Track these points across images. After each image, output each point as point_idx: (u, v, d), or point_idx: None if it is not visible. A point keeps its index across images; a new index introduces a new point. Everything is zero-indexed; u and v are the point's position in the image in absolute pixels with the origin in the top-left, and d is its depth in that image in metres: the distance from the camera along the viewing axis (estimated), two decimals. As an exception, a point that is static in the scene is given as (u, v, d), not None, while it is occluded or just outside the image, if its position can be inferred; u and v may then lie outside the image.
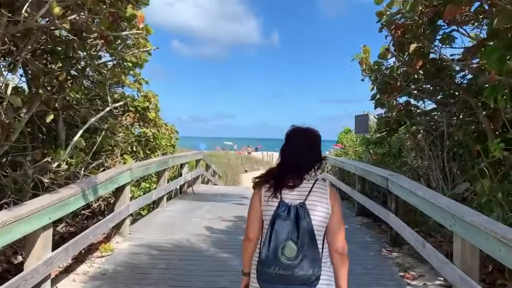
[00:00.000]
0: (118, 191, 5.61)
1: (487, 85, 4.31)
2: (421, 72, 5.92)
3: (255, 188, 2.08)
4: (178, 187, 9.42)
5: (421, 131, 6.96)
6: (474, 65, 4.45)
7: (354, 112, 11.83)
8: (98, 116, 5.70)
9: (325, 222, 1.94)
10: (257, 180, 2.10)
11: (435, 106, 6.79)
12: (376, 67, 7.22)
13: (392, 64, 6.99)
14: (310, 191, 1.95)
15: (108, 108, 5.84)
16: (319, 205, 1.93)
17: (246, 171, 27.92)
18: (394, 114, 7.02)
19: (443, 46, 5.41)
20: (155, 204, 7.70)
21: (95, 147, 6.05)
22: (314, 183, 1.98)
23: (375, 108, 7.61)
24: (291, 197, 1.94)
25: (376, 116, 7.62)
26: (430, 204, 3.92)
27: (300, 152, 2.02)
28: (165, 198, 7.76)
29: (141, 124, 9.01)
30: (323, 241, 1.95)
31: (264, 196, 1.99)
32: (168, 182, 8.28)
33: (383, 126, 7.08)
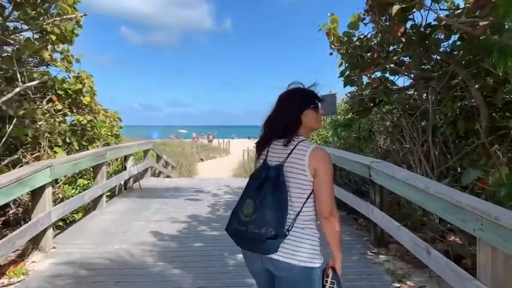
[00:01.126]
0: (35, 195, 4.37)
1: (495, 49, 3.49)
2: (403, 40, 5.06)
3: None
4: (122, 183, 8.17)
5: (399, 111, 6.14)
6: (480, 23, 3.58)
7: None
8: (3, 98, 4.38)
9: (304, 185, 1.87)
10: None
11: (412, 82, 6.00)
12: (345, 38, 6.32)
13: (365, 35, 6.12)
14: (289, 154, 1.90)
15: (17, 89, 4.54)
16: (296, 167, 1.87)
17: (201, 159, 26.65)
18: (368, 91, 6.16)
19: (431, 6, 4.54)
20: (92, 205, 6.44)
21: (3, 139, 4.73)
22: (295, 146, 1.91)
23: (344, 86, 6.75)
24: (275, 158, 1.94)
25: (349, 95, 6.74)
26: (440, 201, 3.02)
27: (272, 115, 2.02)
28: (104, 197, 6.51)
29: (74, 111, 7.65)
30: (301, 208, 1.87)
31: (257, 157, 2.07)
32: (110, 178, 7.04)
33: (356, 106, 6.21)
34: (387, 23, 5.19)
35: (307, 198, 1.86)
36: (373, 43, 5.68)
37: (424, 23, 5.15)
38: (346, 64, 6.51)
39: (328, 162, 1.89)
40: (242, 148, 27.93)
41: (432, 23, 5.09)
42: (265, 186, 1.83)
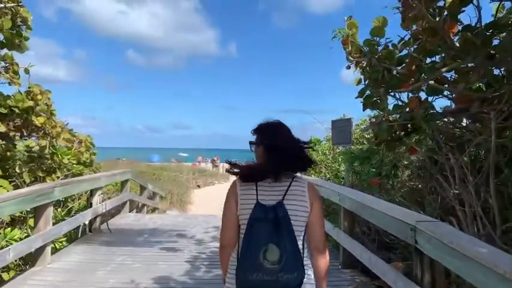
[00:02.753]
0: None
1: None
2: (458, 44, 3.60)
3: (230, 192, 1.96)
4: (87, 222, 6.62)
5: (439, 142, 4.63)
6: None
7: (325, 121, 9.56)
8: None
9: (304, 221, 1.85)
10: (234, 172, 1.94)
11: (457, 105, 4.50)
12: (367, 48, 4.88)
13: (393, 43, 4.67)
14: (287, 190, 1.85)
15: None
16: (298, 204, 1.84)
17: (198, 186, 25.05)
18: (397, 116, 4.67)
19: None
20: (33, 258, 4.88)
21: None
22: (291, 181, 1.88)
23: (364, 110, 5.28)
24: (268, 197, 1.84)
25: (373, 120, 5.25)
26: None
27: (281, 147, 1.90)
28: (48, 249, 4.95)
29: (27, 134, 6.18)
30: (303, 241, 1.85)
31: (241, 197, 1.88)
32: (63, 220, 5.51)
33: (383, 135, 4.70)
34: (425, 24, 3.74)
35: (304, 234, 1.86)
36: (407, 51, 4.22)
37: (477, 23, 3.71)
38: (367, 81, 5.07)
39: (319, 194, 2.00)
40: (242, 174, 26.41)
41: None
42: (282, 227, 1.75)
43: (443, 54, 3.91)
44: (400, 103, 4.79)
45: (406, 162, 6.22)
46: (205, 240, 6.40)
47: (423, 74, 3.97)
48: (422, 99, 4.57)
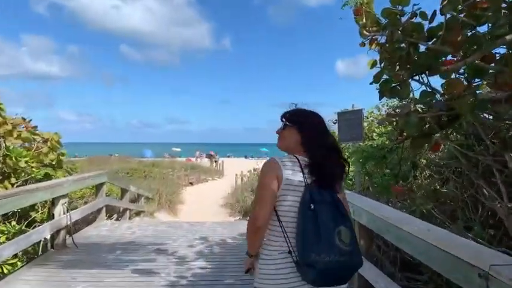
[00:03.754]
0: None
1: None
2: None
3: (271, 169, 1.84)
4: (48, 237, 5.54)
5: (485, 139, 3.57)
6: None
7: (322, 114, 8.53)
8: None
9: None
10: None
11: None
12: (387, 18, 3.80)
13: (420, 10, 3.60)
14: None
15: None
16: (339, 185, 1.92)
17: (191, 183, 23.96)
18: (430, 106, 3.61)
19: None
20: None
21: None
22: None
23: (380, 98, 4.24)
24: (315, 181, 1.84)
25: (397, 111, 4.17)
26: None
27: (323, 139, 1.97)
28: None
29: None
30: None
31: (286, 177, 1.81)
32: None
33: (413, 130, 3.63)
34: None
35: None
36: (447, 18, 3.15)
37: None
38: (383, 62, 4.01)
39: None
40: (238, 169, 25.32)
41: None
42: (342, 209, 1.79)
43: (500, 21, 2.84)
44: (427, 89, 3.73)
45: (424, 161, 5.19)
46: (188, 258, 5.34)
47: (474, 46, 2.90)
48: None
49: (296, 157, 1.90)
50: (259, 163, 25.09)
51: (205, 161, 40.77)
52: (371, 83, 4.29)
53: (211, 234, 6.72)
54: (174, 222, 7.94)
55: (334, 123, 8.57)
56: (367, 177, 5.12)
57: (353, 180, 5.68)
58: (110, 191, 9.98)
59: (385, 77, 3.96)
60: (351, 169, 6.24)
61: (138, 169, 28.46)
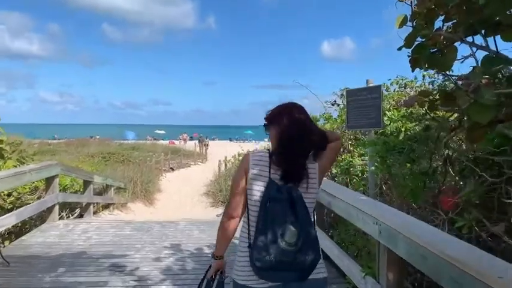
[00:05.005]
0: None
1: None
2: None
3: (242, 163, 1.88)
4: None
5: None
6: None
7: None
8: None
9: (315, 199, 1.90)
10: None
11: None
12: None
13: None
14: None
15: None
16: (310, 185, 1.85)
17: (172, 169, 22.58)
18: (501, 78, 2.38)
19: None
20: None
21: None
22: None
23: (414, 68, 3.04)
24: (278, 176, 1.82)
25: (450, 85, 2.91)
26: None
27: (303, 130, 1.86)
28: None
29: None
30: (314, 218, 1.88)
31: (252, 172, 1.84)
32: None
33: (486, 114, 2.38)
34: None
35: (314, 209, 1.92)
36: None
37: None
38: (415, 20, 2.77)
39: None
40: (222, 152, 24.04)
41: None
42: (298, 208, 1.75)
43: None
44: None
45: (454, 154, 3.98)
46: (151, 280, 4.08)
47: None
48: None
49: (268, 151, 1.90)
50: (243, 146, 23.81)
51: (189, 144, 39.10)
52: (400, 48, 3.03)
53: (185, 241, 5.46)
54: (142, 223, 6.61)
55: (333, 104, 7.32)
56: (386, 176, 3.90)
57: (366, 180, 4.46)
58: (73, 183, 8.62)
59: (419, 39, 2.70)
60: (357, 161, 5.03)
61: (116, 153, 26.96)
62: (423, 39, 2.98)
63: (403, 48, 3.34)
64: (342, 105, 6.98)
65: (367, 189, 4.49)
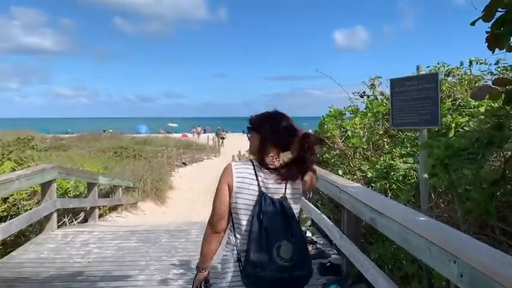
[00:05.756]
0: None
1: None
2: None
3: (224, 176, 1.84)
4: None
5: None
6: None
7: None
8: None
9: (299, 208, 1.89)
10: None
11: None
12: None
13: None
14: (286, 182, 1.82)
15: None
16: (295, 195, 1.84)
17: (184, 164, 21.96)
18: None
19: None
20: None
21: None
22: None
23: (494, 47, 2.37)
24: (269, 189, 1.79)
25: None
26: None
27: (284, 137, 1.86)
28: None
29: None
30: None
31: (236, 185, 1.79)
32: None
33: None
34: None
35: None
36: None
37: None
38: None
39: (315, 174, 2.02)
40: (235, 146, 23.34)
41: None
42: (292, 223, 1.74)
43: None
44: None
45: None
46: (156, 313, 3.38)
47: None
48: None
49: (252, 162, 1.86)
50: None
51: (203, 137, 38.38)
52: (473, 23, 2.35)
53: (197, 255, 4.72)
54: (149, 232, 5.91)
55: (362, 96, 6.49)
56: (443, 188, 3.10)
57: (411, 186, 3.66)
58: (77, 185, 7.98)
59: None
60: (399, 163, 4.19)
61: (128, 147, 26.47)
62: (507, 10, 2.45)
63: (477, 22, 2.66)
64: (372, 97, 6.16)
65: (414, 199, 3.71)
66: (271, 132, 1.86)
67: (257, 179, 1.79)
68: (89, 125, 70.10)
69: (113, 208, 9.35)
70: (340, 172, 5.03)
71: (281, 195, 1.79)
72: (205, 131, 54.35)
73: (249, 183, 1.78)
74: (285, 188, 1.81)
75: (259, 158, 1.87)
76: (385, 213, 2.89)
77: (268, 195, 1.77)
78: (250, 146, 1.96)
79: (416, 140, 4.55)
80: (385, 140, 5.11)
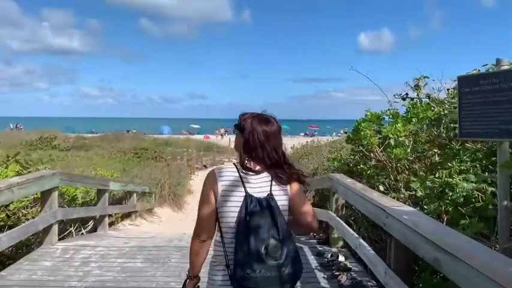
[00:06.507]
0: None
1: None
2: None
3: (207, 182, 1.84)
4: None
5: None
6: None
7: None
8: None
9: (287, 209, 1.85)
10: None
11: None
12: None
13: None
14: (272, 180, 1.82)
15: None
16: (282, 193, 1.82)
17: (205, 166, 21.38)
18: None
19: None
20: None
21: None
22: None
23: None
24: (255, 189, 1.79)
25: None
26: None
27: (269, 141, 1.84)
28: None
29: None
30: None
31: (221, 190, 1.78)
32: None
33: None
34: None
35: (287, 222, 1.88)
36: None
37: None
38: None
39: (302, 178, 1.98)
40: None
41: None
42: (278, 220, 1.72)
43: None
44: None
45: None
46: None
47: None
48: None
49: (235, 165, 1.85)
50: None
51: (224, 139, 37.91)
52: None
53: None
54: (159, 249, 5.26)
55: (404, 99, 5.67)
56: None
57: (474, 212, 2.88)
58: (88, 190, 7.42)
59: None
60: (468, 192, 3.36)
61: (149, 148, 26.16)
62: None
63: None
64: (416, 100, 5.34)
65: (483, 230, 2.90)
66: (248, 141, 1.84)
67: (242, 181, 1.78)
68: (114, 125, 70.76)
69: (127, 215, 8.78)
70: (381, 188, 4.26)
71: (267, 193, 1.77)
72: (227, 133, 53.88)
73: (234, 186, 1.77)
74: (271, 186, 1.80)
75: (241, 159, 1.86)
76: (459, 256, 2.13)
77: (254, 195, 1.75)
78: (235, 143, 1.95)
79: (477, 153, 3.73)
80: (435, 150, 4.31)
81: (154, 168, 13.23)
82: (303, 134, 57.05)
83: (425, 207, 3.51)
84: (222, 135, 49.49)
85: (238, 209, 1.73)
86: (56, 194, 5.12)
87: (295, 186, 1.88)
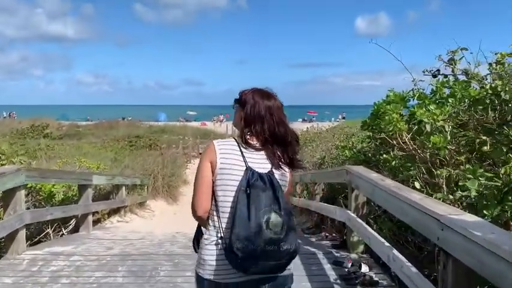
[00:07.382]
0: None
1: None
2: None
3: (206, 154, 1.76)
4: None
5: None
6: None
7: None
8: None
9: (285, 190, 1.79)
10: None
11: None
12: None
13: None
14: (272, 159, 1.78)
15: None
16: (280, 173, 1.78)
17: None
18: None
19: None
20: None
21: None
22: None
23: None
24: (256, 164, 1.73)
25: None
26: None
27: (272, 115, 1.79)
28: None
29: None
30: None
31: (221, 162, 1.70)
32: None
33: None
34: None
35: None
36: None
37: None
38: None
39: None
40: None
41: None
42: (279, 196, 1.68)
43: None
44: None
45: None
46: None
47: None
48: None
49: (235, 139, 1.81)
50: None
51: (222, 126, 36.97)
52: None
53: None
54: (148, 257, 4.45)
55: (435, 75, 4.81)
56: None
57: None
58: (69, 185, 6.58)
59: None
60: None
61: (143, 136, 25.27)
62: None
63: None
64: (450, 77, 4.49)
65: None
66: (249, 114, 1.79)
67: (242, 155, 1.72)
68: (110, 113, 69.61)
69: (115, 210, 7.96)
70: (416, 185, 3.44)
71: (268, 169, 1.73)
72: (225, 119, 52.89)
73: (234, 159, 1.71)
74: (272, 164, 1.75)
75: (241, 134, 1.81)
76: None
77: (255, 170, 1.69)
78: (235, 120, 1.90)
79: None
80: (484, 137, 3.47)
81: (148, 158, 12.36)
82: (301, 119, 56.02)
83: (485, 212, 2.69)
84: (221, 121, 48.54)
85: (237, 183, 1.67)
86: (21, 193, 4.29)
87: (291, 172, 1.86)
